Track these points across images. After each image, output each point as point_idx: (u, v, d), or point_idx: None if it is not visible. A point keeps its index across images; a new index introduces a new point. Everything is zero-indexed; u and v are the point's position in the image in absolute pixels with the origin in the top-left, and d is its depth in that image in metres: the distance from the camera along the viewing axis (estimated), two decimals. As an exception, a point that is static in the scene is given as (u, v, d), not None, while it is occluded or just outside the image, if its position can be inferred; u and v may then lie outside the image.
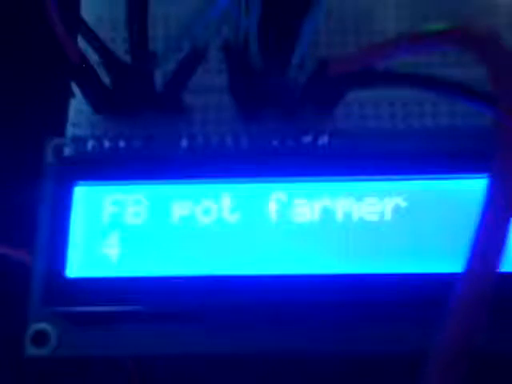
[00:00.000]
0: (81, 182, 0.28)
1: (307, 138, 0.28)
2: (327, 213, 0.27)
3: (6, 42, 0.35)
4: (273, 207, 0.27)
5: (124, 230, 0.27)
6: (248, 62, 0.27)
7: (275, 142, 0.28)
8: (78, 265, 0.27)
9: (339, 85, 0.27)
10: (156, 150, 0.29)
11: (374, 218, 0.27)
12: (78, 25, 0.27)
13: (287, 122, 0.29)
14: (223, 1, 0.26)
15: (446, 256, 0.26)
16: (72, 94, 0.31)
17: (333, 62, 0.26)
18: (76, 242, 0.27)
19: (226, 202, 0.27)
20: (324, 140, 0.28)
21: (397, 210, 0.27)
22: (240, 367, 0.28)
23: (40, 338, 0.27)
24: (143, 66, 0.28)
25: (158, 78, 0.29)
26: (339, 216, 0.27)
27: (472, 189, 0.27)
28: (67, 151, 0.29)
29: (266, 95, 0.28)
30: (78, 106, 0.31)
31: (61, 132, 0.31)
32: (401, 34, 0.25)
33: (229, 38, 0.27)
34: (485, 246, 0.21)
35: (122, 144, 0.29)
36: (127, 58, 0.29)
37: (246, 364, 0.28)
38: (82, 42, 0.29)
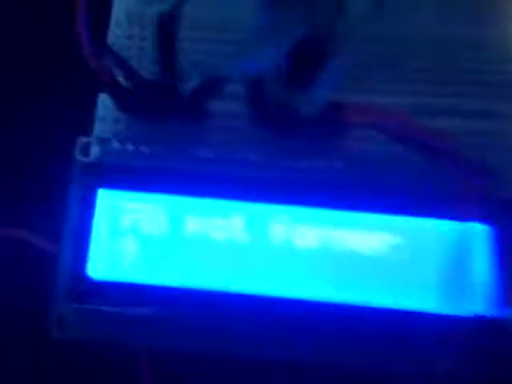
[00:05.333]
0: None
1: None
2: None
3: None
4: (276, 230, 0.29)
5: (140, 237, 0.30)
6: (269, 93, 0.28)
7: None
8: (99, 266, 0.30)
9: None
10: (174, 162, 0.31)
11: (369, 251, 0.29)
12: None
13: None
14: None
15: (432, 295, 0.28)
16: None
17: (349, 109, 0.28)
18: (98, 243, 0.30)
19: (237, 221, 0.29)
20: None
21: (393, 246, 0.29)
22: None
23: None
24: (168, 82, 0.30)
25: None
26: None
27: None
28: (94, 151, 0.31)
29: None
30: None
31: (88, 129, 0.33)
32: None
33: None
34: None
35: (145, 150, 0.31)
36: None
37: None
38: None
